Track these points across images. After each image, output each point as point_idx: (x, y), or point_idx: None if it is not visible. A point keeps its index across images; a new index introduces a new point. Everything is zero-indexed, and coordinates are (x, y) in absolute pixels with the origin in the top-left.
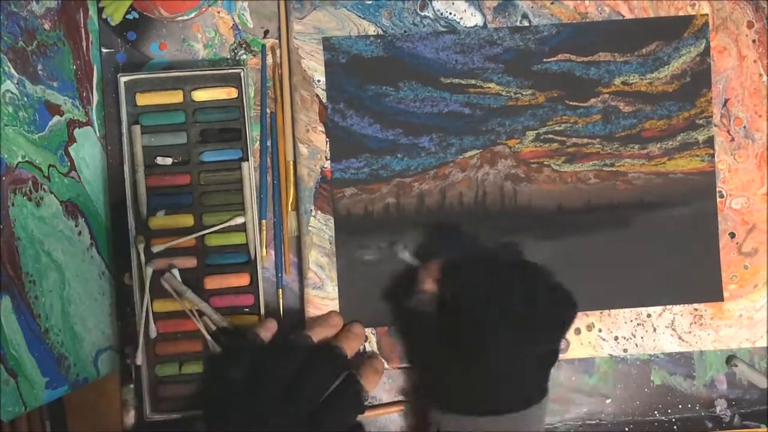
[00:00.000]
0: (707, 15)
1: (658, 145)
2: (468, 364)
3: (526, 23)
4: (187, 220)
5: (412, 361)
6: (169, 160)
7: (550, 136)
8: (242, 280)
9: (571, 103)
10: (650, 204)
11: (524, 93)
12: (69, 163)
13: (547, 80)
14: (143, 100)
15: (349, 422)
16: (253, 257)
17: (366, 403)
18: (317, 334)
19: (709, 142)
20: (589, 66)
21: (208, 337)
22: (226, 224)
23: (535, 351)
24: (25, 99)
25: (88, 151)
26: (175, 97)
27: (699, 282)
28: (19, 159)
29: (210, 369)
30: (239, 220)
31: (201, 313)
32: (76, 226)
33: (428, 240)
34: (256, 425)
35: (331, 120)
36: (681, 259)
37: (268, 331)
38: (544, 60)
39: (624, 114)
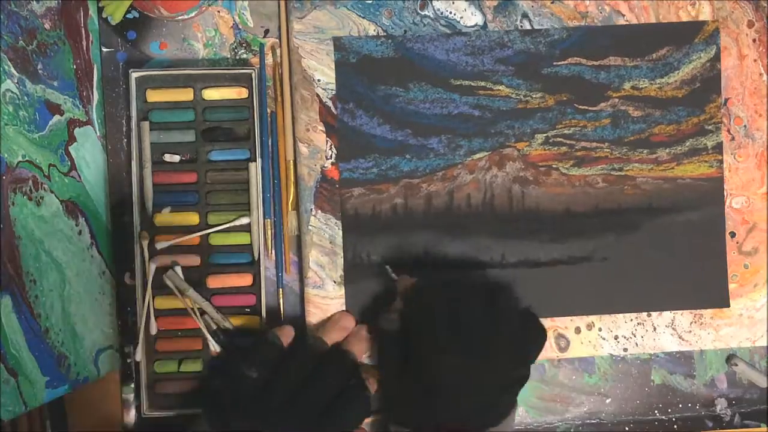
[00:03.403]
0: (717, 21)
1: (667, 151)
2: (424, 384)
3: (526, 22)
4: (192, 218)
5: (380, 377)
6: (176, 158)
7: (559, 139)
8: (245, 280)
9: (580, 106)
10: (658, 209)
11: (534, 96)
12: (69, 163)
13: (557, 83)
14: (153, 96)
15: (355, 425)
16: (256, 258)
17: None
18: (330, 338)
19: (718, 148)
20: (599, 70)
21: (209, 336)
22: (231, 224)
23: (498, 375)
24: (26, 98)
25: (88, 151)
26: (186, 94)
27: (705, 288)
28: (20, 158)
29: (223, 365)
30: (244, 221)
31: (202, 312)
32: (77, 225)
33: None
34: (262, 426)
35: (341, 120)
36: (687, 265)
37: (285, 336)
38: (554, 63)
39: (633, 119)
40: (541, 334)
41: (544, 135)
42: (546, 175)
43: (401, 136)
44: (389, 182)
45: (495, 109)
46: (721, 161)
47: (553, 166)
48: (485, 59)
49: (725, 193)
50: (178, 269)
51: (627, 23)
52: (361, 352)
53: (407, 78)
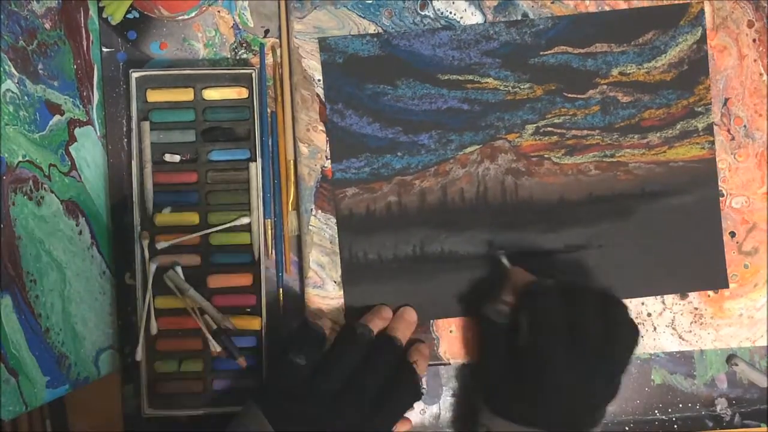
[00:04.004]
0: (702, 2)
1: (658, 134)
2: (534, 382)
3: None
4: (193, 218)
5: (474, 360)
6: (177, 158)
7: (550, 129)
8: (245, 280)
9: (569, 95)
10: (652, 193)
11: (522, 87)
12: (69, 163)
13: (545, 73)
14: (154, 96)
15: (407, 410)
16: (256, 258)
17: (422, 390)
18: (375, 326)
19: (709, 129)
20: (586, 57)
21: (209, 336)
22: (232, 224)
23: (600, 383)
24: (26, 98)
25: (88, 151)
26: (186, 94)
27: (704, 269)
28: (20, 158)
29: (277, 356)
30: (244, 220)
31: (202, 312)
32: (77, 225)
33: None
34: (319, 414)
35: (330, 120)
36: (685, 248)
37: (325, 326)
38: (541, 53)
39: (623, 104)
40: (636, 344)
41: (535, 125)
42: (538, 166)
43: (392, 133)
44: (382, 180)
45: (484, 101)
46: (712, 142)
47: (545, 155)
48: (471, 53)
49: (725, 192)
50: (179, 269)
51: (612, 9)
52: (406, 336)
53: (395, 75)
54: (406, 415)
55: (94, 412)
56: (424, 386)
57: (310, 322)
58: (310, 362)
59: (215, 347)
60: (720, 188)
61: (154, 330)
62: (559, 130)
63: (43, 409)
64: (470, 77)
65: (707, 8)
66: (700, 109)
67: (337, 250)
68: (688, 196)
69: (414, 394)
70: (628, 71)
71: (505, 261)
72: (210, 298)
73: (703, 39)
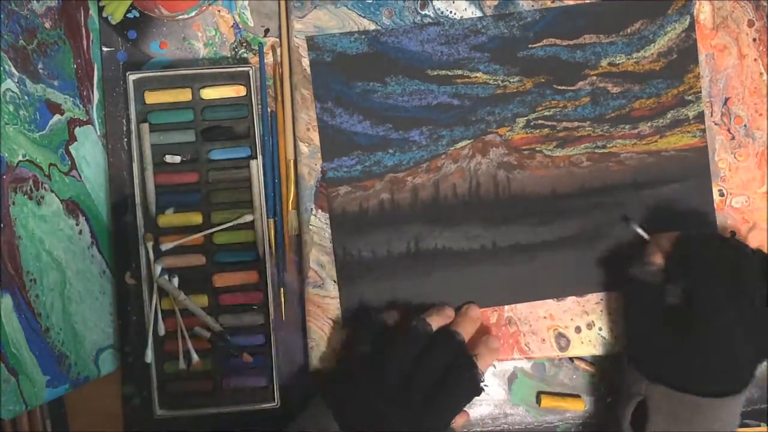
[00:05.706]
0: None
1: (649, 124)
2: (688, 342)
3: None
4: (196, 218)
5: (624, 328)
6: (177, 158)
7: (540, 121)
8: (251, 277)
9: (559, 87)
10: (644, 183)
11: (512, 80)
12: (69, 162)
13: (534, 66)
14: (152, 98)
15: (465, 403)
16: (262, 254)
17: (482, 385)
18: (435, 322)
19: (700, 117)
20: (575, 49)
21: (208, 318)
22: (235, 222)
23: (758, 340)
24: (26, 98)
25: (88, 150)
26: (184, 95)
27: None
28: (20, 158)
29: (346, 343)
30: (248, 218)
31: (191, 313)
32: (77, 224)
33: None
34: (376, 406)
35: (321, 119)
36: None
37: (391, 317)
38: (530, 46)
39: (613, 95)
40: None
41: (525, 118)
42: (530, 159)
43: (382, 131)
44: (374, 178)
45: (474, 96)
46: (703, 131)
47: (537, 148)
48: (460, 47)
49: (725, 192)
50: (175, 280)
51: (600, 0)
52: (469, 333)
53: (384, 72)
54: (466, 408)
55: (94, 412)
56: (485, 382)
57: (373, 313)
58: (376, 352)
59: (215, 326)
60: (720, 187)
61: (161, 331)
62: (549, 123)
63: (43, 408)
64: (459, 72)
65: (707, 7)
66: (690, 97)
67: None
68: (680, 185)
69: (472, 388)
70: (617, 62)
71: (641, 232)
72: (216, 297)
73: (691, 27)
